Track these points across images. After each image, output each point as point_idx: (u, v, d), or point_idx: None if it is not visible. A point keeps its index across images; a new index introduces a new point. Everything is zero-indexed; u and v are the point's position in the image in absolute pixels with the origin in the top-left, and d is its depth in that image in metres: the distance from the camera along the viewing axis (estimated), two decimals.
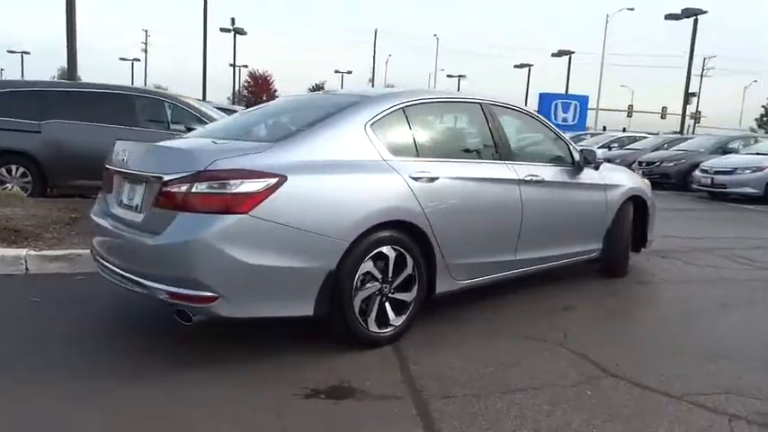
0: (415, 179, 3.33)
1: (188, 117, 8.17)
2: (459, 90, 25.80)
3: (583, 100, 33.22)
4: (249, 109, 4.37)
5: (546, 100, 29.99)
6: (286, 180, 2.81)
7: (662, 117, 50.18)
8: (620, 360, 3.15)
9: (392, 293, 3.25)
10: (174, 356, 3.02)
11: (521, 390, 2.76)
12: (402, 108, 3.51)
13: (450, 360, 3.09)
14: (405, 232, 3.26)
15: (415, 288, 3.35)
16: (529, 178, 4.04)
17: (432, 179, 3.40)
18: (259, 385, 2.74)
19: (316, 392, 2.68)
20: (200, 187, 2.74)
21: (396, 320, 3.27)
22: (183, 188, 2.76)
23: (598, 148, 11.70)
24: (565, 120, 23.96)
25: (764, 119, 61.42)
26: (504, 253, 3.93)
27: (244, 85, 62.24)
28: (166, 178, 2.82)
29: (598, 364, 3.10)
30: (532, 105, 23.82)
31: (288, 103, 4.33)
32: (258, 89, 66.03)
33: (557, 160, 4.48)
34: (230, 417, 2.45)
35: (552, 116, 23.23)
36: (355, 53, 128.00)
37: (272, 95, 67.36)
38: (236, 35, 43.84)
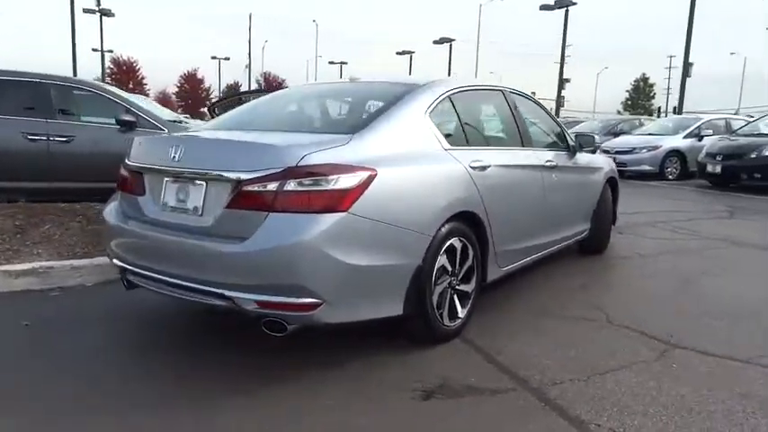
0: (473, 168, 3.29)
1: (112, 107, 7.46)
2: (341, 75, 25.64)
3: None
4: (260, 99, 4.03)
5: None
6: (376, 174, 2.65)
7: None
8: (671, 331, 3.35)
9: (458, 285, 3.20)
10: (258, 371, 2.77)
11: (614, 370, 2.85)
12: (449, 96, 3.44)
13: (523, 348, 3.11)
14: (468, 223, 3.22)
15: (474, 278, 3.33)
16: (547, 163, 4.15)
17: (483, 167, 3.39)
18: (366, 390, 2.60)
19: (430, 393, 2.59)
20: (293, 185, 2.50)
21: (461, 312, 3.23)
22: (272, 187, 2.50)
23: None
24: None
25: (629, 102, 68.09)
26: (534, 237, 4.02)
27: (107, 73, 57.46)
28: (246, 176, 2.54)
29: (656, 337, 3.28)
30: None
31: (313, 92, 4.07)
32: (123, 77, 61.42)
33: (558, 145, 4.64)
34: (367, 426, 2.30)
35: None
36: (231, 39, 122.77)
37: (138, 83, 62.83)
38: (102, 17, 40.33)
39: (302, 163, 2.52)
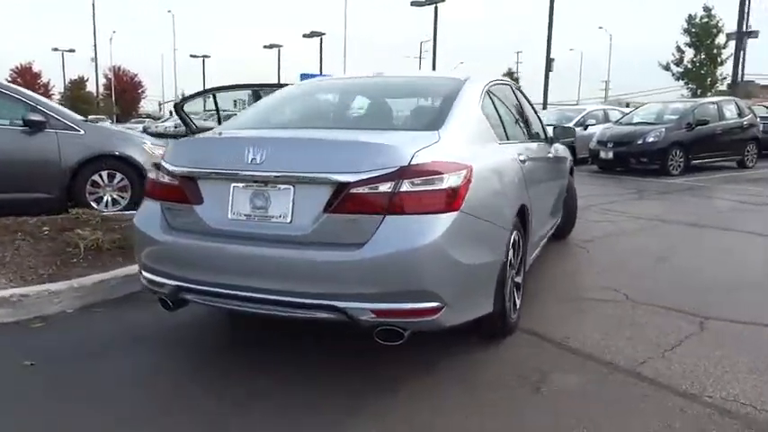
0: (521, 162, 3.35)
1: (15, 106, 6.54)
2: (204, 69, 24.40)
3: None
4: (285, 95, 3.73)
5: (306, 80, 30.61)
6: (472, 170, 2.60)
7: None
8: (692, 305, 3.66)
9: (515, 278, 3.25)
10: (339, 384, 2.60)
11: (676, 345, 3.05)
12: (488, 90, 3.45)
13: (583, 332, 3.23)
14: (520, 216, 3.28)
15: (523, 270, 3.39)
16: (549, 156, 4.33)
17: (524, 161, 3.45)
18: (481, 392, 2.56)
19: (537, 386, 2.61)
20: (408, 185, 2.37)
21: (518, 304, 3.28)
22: (386, 188, 2.36)
23: None
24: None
25: None
26: (544, 226, 4.18)
27: None
28: (354, 178, 2.37)
29: (683, 311, 3.56)
30: None
31: (351, 87, 3.86)
32: None
33: (541, 137, 4.86)
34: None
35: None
36: (74, 30, 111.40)
37: None
38: None
39: (414, 162, 2.40)
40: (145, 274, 2.87)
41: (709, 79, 25.62)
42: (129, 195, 6.89)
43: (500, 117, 3.52)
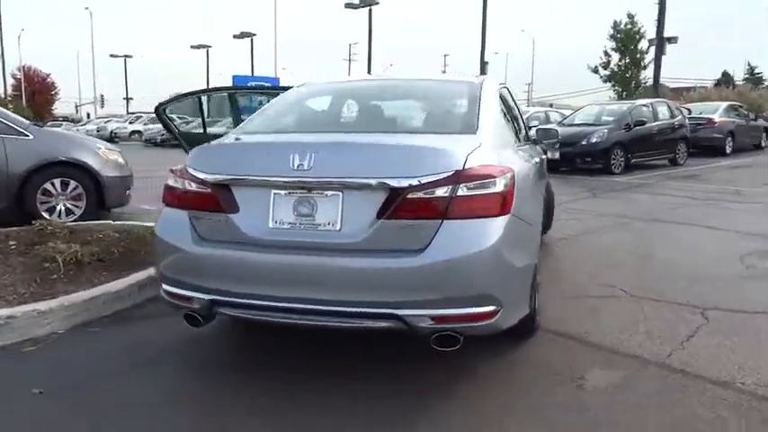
0: (534, 163, 3.41)
1: None
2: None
3: (274, 81, 34.42)
4: (291, 97, 3.60)
5: (239, 82, 30.15)
6: (515, 173, 2.63)
7: None
8: (688, 297, 3.84)
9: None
10: (388, 392, 2.57)
11: (690, 336, 3.20)
12: (500, 93, 3.49)
13: (600, 328, 3.32)
14: None
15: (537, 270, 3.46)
16: (541, 157, 4.43)
17: (535, 163, 3.52)
18: (538, 388, 2.59)
19: (580, 384, 2.67)
20: (464, 190, 2.36)
21: (537, 303, 3.34)
22: (443, 192, 2.33)
23: None
24: (261, 102, 24.66)
25: None
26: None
27: None
28: (410, 183, 2.33)
29: (683, 304, 3.72)
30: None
31: (365, 90, 3.80)
32: None
33: (532, 138, 4.97)
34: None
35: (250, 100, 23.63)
36: None
37: None
38: None
39: (467, 166, 2.39)
40: (169, 288, 2.70)
41: (634, 82, 27.24)
42: (85, 204, 6.50)
43: (510, 120, 3.57)
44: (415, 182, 2.33)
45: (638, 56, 27.35)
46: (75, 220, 6.07)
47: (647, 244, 5.64)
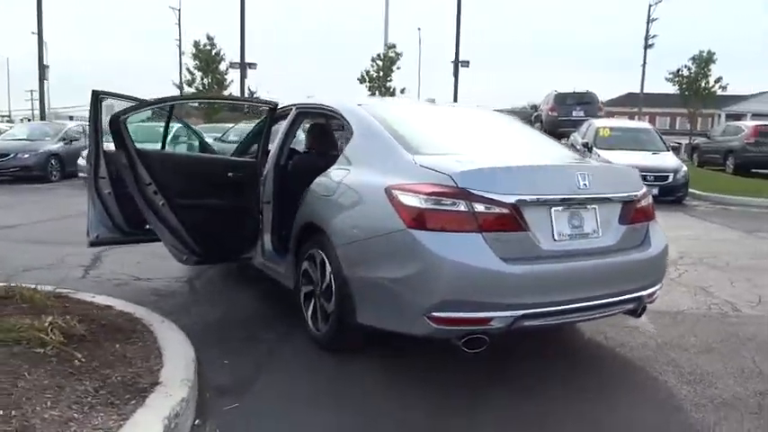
0: None
1: None
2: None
3: None
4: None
5: None
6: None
7: None
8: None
9: None
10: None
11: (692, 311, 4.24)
12: None
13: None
14: None
15: None
16: None
17: None
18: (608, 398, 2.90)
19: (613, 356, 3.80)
20: (649, 199, 3.27)
21: None
22: (648, 201, 3.22)
23: None
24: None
25: None
26: None
27: None
28: (638, 195, 3.14)
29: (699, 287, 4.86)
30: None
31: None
32: None
33: None
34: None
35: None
36: None
37: None
38: None
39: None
40: (451, 314, 2.60)
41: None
42: None
43: None
44: (638, 193, 3.16)
45: (219, 76, 28.84)
46: None
47: None
